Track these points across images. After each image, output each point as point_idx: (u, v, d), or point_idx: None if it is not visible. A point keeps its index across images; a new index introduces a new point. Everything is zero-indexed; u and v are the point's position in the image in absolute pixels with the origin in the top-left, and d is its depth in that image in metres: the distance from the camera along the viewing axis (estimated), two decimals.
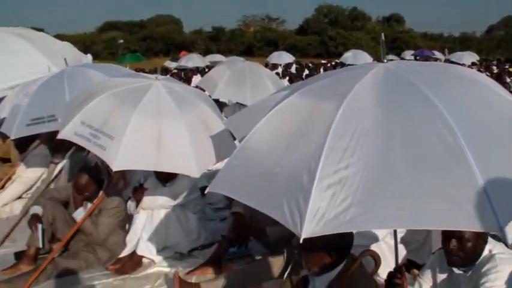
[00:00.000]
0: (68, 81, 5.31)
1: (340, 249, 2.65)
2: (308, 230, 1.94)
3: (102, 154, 3.76)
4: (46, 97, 5.21)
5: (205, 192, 2.67)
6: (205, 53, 42.80)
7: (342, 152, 2.08)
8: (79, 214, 4.45)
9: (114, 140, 3.74)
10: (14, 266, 4.44)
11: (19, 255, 4.55)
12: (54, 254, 4.35)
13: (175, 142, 3.89)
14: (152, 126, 3.87)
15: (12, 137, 5.10)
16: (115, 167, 3.69)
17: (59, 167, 5.44)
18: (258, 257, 4.44)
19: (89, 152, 5.50)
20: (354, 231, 2.65)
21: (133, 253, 4.54)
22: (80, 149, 5.34)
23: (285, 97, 2.60)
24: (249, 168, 2.44)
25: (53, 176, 5.42)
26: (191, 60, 24.91)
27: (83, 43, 48.73)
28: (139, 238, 4.54)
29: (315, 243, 2.32)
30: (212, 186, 2.53)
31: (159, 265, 4.52)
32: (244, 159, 2.48)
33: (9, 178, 5.85)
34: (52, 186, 5.34)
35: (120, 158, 3.68)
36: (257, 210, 3.88)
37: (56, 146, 5.33)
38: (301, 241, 1.93)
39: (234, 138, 4.10)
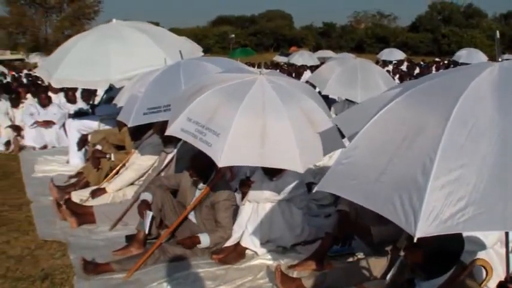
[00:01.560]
0: (184, 73, 5.53)
1: (450, 254, 2.58)
2: (422, 229, 1.93)
3: (208, 150, 3.87)
4: (163, 87, 5.48)
5: (313, 190, 2.70)
6: (315, 48, 43.02)
7: (458, 151, 2.07)
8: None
9: (220, 136, 3.84)
10: (124, 248, 4.78)
11: (130, 238, 4.88)
12: (161, 240, 4.60)
13: (280, 137, 3.90)
14: (256, 122, 3.92)
15: (130, 125, 5.38)
16: (220, 163, 3.78)
17: (169, 156, 5.68)
18: (361, 256, 4.44)
19: None
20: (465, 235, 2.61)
21: (237, 244, 4.67)
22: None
23: (397, 95, 2.60)
24: (359, 166, 2.45)
25: (164, 165, 5.68)
26: (301, 57, 25.02)
27: (195, 37, 51.06)
28: (244, 230, 4.67)
29: (425, 245, 2.36)
30: (321, 185, 2.58)
31: (262, 257, 4.61)
32: (354, 157, 2.49)
33: (124, 165, 6.24)
34: (162, 174, 5.59)
35: (225, 154, 3.76)
36: (363, 209, 3.80)
37: (167, 136, 5.50)
38: (415, 240, 1.93)
39: (342, 134, 3.98)
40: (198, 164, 4.61)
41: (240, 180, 4.75)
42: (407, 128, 2.32)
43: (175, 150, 5.62)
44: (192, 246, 4.58)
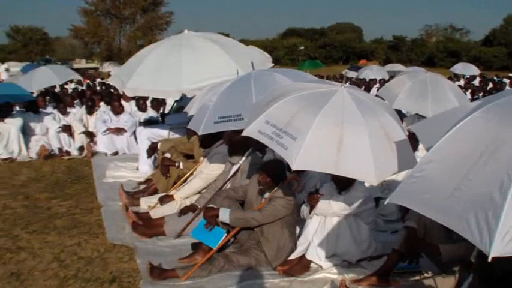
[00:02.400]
0: (255, 83, 5.66)
1: None
2: (497, 249, 1.89)
3: (284, 153, 3.94)
4: (234, 97, 5.62)
5: (385, 202, 2.66)
6: (385, 62, 42.43)
7: None
8: None
9: (296, 140, 3.89)
10: (190, 256, 4.89)
11: (195, 246, 4.98)
12: (222, 243, 4.75)
13: (356, 148, 3.92)
14: (334, 130, 3.94)
15: (200, 133, 5.52)
16: (295, 166, 3.82)
17: (234, 167, 5.76)
18: (428, 275, 4.37)
19: (264, 154, 5.81)
20: None
21: (302, 257, 4.68)
22: (256, 150, 5.64)
23: (473, 110, 2.57)
24: (432, 180, 2.43)
25: (229, 175, 5.76)
26: (371, 71, 25.07)
27: (265, 48, 51.54)
28: (310, 243, 4.67)
29: (498, 267, 2.29)
30: (392, 197, 2.57)
31: (326, 271, 4.59)
32: (428, 171, 2.47)
33: (192, 173, 6.38)
34: (228, 185, 5.70)
35: (300, 158, 3.82)
36: (432, 226, 3.74)
37: (234, 147, 5.63)
38: (489, 260, 1.88)
39: (414, 149, 3.96)
40: (269, 172, 4.69)
41: (309, 193, 4.76)
42: (484, 144, 2.28)
43: (241, 162, 5.70)
44: (211, 217, 4.68)
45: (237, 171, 5.70)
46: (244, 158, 5.71)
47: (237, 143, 5.61)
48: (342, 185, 4.67)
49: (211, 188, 5.84)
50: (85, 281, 4.49)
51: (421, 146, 6.35)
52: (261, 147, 5.85)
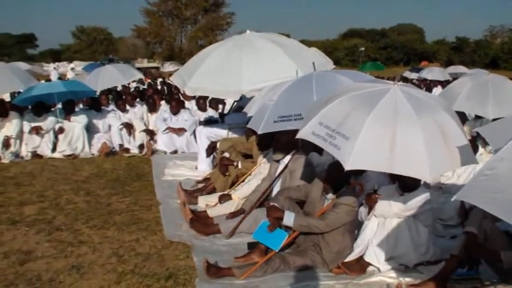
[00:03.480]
0: (316, 84, 5.68)
1: None
2: None
3: (337, 153, 3.97)
4: (294, 97, 5.66)
5: (452, 199, 2.66)
6: (447, 64, 41.43)
7: None
8: None
9: (349, 140, 3.92)
10: (246, 255, 4.91)
11: (252, 246, 5.00)
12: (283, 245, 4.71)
13: (410, 145, 3.90)
14: (387, 129, 3.94)
15: (260, 132, 5.59)
16: (348, 166, 3.85)
17: (280, 167, 5.75)
18: (487, 283, 4.27)
19: (309, 152, 5.87)
20: None
21: (360, 258, 4.65)
22: (302, 150, 5.68)
23: None
24: (504, 179, 2.41)
25: (276, 174, 5.76)
26: (431, 72, 24.59)
27: (325, 49, 51.42)
28: (368, 245, 4.64)
29: None
30: (461, 194, 2.56)
31: (383, 274, 4.54)
32: (500, 170, 2.46)
33: (250, 173, 6.42)
34: (277, 184, 5.71)
35: (353, 157, 3.84)
36: (493, 232, 3.63)
37: (280, 145, 5.63)
38: None
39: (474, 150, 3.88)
40: (334, 175, 4.69)
41: (367, 194, 4.71)
42: None
43: (286, 162, 5.69)
44: (275, 219, 4.69)
45: (283, 170, 5.69)
46: (289, 157, 5.69)
47: (284, 142, 5.64)
48: (406, 186, 4.61)
49: (257, 190, 5.86)
50: (142, 276, 4.59)
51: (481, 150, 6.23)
52: (317, 148, 5.85)
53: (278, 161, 5.79)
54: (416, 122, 3.97)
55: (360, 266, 4.62)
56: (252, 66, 7.45)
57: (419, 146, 3.88)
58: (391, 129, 3.91)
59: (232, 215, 5.70)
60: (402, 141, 3.88)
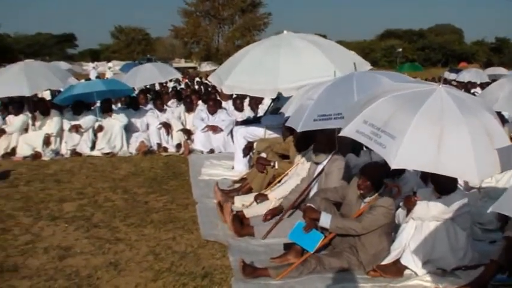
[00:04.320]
0: (357, 84, 5.65)
1: None
2: None
3: (382, 152, 3.94)
4: (335, 96, 5.65)
5: (488, 211, 2.52)
6: (486, 65, 40.66)
7: None
8: None
9: (395, 139, 3.89)
10: (282, 256, 4.92)
11: (288, 246, 5.00)
12: (318, 248, 4.74)
13: (457, 146, 3.86)
14: (433, 128, 3.90)
15: (299, 130, 5.61)
16: (394, 165, 3.82)
17: (319, 168, 5.73)
18: None
19: (347, 153, 5.83)
20: None
21: (397, 261, 4.60)
22: (339, 152, 5.66)
23: None
24: None
25: (314, 175, 5.74)
26: (468, 73, 24.39)
27: (362, 50, 51.12)
28: (405, 248, 4.59)
29: None
30: (497, 206, 2.47)
31: (420, 278, 4.50)
32: None
33: (287, 174, 6.41)
34: (315, 186, 5.69)
35: (399, 156, 3.81)
36: None
37: (320, 145, 5.61)
38: None
39: None
40: (369, 176, 4.66)
41: (405, 196, 4.66)
42: None
43: (325, 163, 5.66)
44: (311, 220, 4.70)
45: (321, 172, 5.67)
46: (328, 158, 5.66)
47: (324, 143, 5.61)
48: (443, 188, 4.55)
49: (296, 190, 5.84)
50: (178, 274, 4.64)
51: None
52: (355, 149, 5.81)
53: (317, 163, 5.77)
54: (463, 123, 3.93)
55: (397, 269, 4.57)
56: (288, 65, 7.47)
57: (467, 147, 3.84)
58: (438, 129, 3.88)
59: (272, 211, 5.69)
60: (450, 141, 3.84)
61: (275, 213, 5.66)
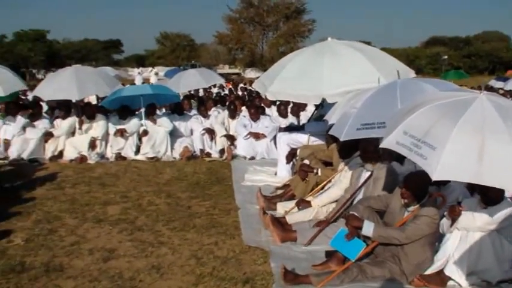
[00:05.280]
0: (401, 92, 5.62)
1: None
2: None
3: (423, 163, 3.88)
4: (378, 105, 5.63)
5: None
6: None
7: None
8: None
9: (436, 150, 3.82)
10: (324, 263, 4.92)
11: (330, 254, 4.99)
12: (361, 255, 4.71)
13: (500, 156, 3.76)
14: (475, 138, 3.82)
15: (342, 139, 5.59)
16: (435, 176, 3.75)
17: (364, 175, 5.69)
18: None
19: (390, 161, 5.76)
20: None
21: (440, 272, 4.53)
22: (386, 159, 5.62)
23: None
24: None
25: (357, 183, 5.70)
26: None
27: (407, 57, 50.44)
28: (449, 258, 4.52)
29: None
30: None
31: None
32: None
33: (329, 181, 6.38)
34: (360, 193, 5.66)
35: (440, 168, 3.74)
36: None
37: (368, 154, 5.56)
38: None
39: None
40: (413, 185, 4.60)
41: (450, 206, 4.59)
42: None
43: (374, 170, 5.62)
44: (354, 228, 4.68)
45: (368, 178, 5.62)
46: (376, 166, 5.62)
47: (371, 151, 5.55)
48: (489, 199, 4.46)
49: (341, 201, 5.82)
50: (220, 279, 4.67)
51: None
52: (399, 157, 5.73)
53: (363, 170, 5.73)
54: (506, 132, 3.82)
55: (441, 279, 4.51)
56: (333, 71, 7.47)
57: (510, 157, 3.74)
58: (480, 139, 3.79)
59: (318, 224, 5.68)
60: (491, 151, 3.74)
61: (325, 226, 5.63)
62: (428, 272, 4.55)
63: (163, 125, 10.77)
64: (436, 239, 4.74)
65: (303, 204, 6.23)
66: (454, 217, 4.47)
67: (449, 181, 5.39)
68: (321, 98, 7.58)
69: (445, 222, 4.62)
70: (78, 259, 5.16)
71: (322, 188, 6.46)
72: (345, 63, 7.57)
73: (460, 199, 4.73)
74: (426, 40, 77.96)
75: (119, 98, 10.80)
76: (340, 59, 7.66)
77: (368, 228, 4.63)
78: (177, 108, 11.64)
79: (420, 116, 4.17)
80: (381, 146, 4.43)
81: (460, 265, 4.46)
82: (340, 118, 5.86)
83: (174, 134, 11.02)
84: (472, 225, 4.43)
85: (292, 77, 7.83)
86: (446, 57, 58.57)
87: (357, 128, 5.45)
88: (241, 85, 27.56)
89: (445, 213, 4.62)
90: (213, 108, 12.66)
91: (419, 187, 4.61)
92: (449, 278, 4.51)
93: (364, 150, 5.64)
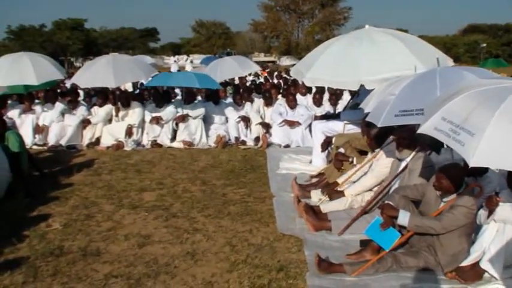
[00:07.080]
0: (440, 79, 5.53)
1: None
2: None
3: (461, 150, 3.80)
4: (417, 92, 5.54)
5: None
6: None
7: None
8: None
9: (474, 137, 3.73)
10: (358, 252, 4.89)
11: (364, 243, 4.95)
12: (394, 246, 4.66)
13: None
14: None
15: (379, 125, 5.51)
16: (472, 162, 3.66)
17: (402, 164, 5.59)
18: None
19: (430, 152, 5.70)
20: None
21: (475, 265, 4.44)
22: (422, 149, 5.51)
23: None
24: None
25: (396, 172, 5.60)
26: None
27: (444, 45, 49.49)
28: (485, 251, 4.42)
29: None
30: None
31: (499, 283, 4.33)
32: None
33: (359, 169, 6.37)
34: (396, 183, 5.57)
35: (478, 154, 3.64)
36: None
37: (403, 142, 5.49)
38: None
39: None
40: (448, 175, 4.51)
41: (488, 197, 4.47)
42: None
43: (409, 160, 5.52)
44: (389, 218, 4.63)
45: (404, 168, 5.53)
46: (413, 155, 5.52)
47: (407, 139, 5.47)
48: None
49: (377, 191, 5.78)
50: (254, 266, 4.68)
51: None
52: (435, 146, 5.63)
53: (401, 159, 5.65)
54: None
55: (475, 272, 4.41)
56: (370, 58, 7.38)
57: None
58: None
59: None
60: None
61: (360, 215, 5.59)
62: (464, 263, 4.47)
63: (193, 113, 10.88)
64: (473, 230, 4.65)
65: (336, 194, 6.18)
66: (491, 208, 4.37)
67: (486, 172, 5.29)
68: (359, 84, 7.50)
69: (482, 213, 4.51)
70: (114, 244, 5.25)
71: (354, 173, 6.40)
72: (382, 49, 7.47)
73: (497, 190, 4.62)
74: (464, 28, 76.49)
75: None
76: (378, 45, 7.57)
77: (403, 217, 4.57)
78: (213, 96, 11.67)
79: (459, 102, 4.09)
80: (419, 131, 4.36)
81: (496, 258, 4.36)
82: (378, 105, 5.79)
83: (209, 122, 11.11)
84: (510, 218, 4.32)
85: (329, 64, 7.77)
86: (484, 45, 57.36)
87: (395, 114, 5.37)
88: (277, 73, 27.44)
89: (483, 203, 4.52)
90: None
91: (454, 178, 4.52)
92: (485, 271, 4.42)
93: (401, 137, 5.56)
